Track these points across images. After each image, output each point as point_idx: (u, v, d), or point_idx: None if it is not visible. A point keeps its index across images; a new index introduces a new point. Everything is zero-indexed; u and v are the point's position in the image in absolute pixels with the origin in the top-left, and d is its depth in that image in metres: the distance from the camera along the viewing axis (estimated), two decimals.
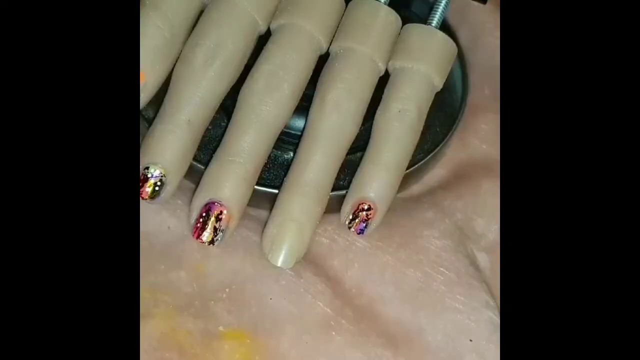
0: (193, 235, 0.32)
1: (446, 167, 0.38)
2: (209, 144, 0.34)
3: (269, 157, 0.33)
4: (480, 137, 0.39)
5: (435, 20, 0.36)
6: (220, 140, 0.33)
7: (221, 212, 0.31)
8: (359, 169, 0.34)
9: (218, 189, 0.31)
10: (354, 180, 0.34)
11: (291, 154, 0.35)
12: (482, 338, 0.31)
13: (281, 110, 0.32)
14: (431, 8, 0.36)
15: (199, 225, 0.31)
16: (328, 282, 0.33)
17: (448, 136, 0.37)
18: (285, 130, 0.34)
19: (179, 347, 0.33)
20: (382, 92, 0.35)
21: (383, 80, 0.35)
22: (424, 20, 0.36)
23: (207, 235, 0.31)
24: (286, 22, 0.34)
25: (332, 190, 0.33)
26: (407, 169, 0.34)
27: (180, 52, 0.33)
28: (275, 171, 0.34)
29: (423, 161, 0.36)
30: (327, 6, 0.34)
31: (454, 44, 0.36)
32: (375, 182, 0.33)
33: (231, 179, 0.31)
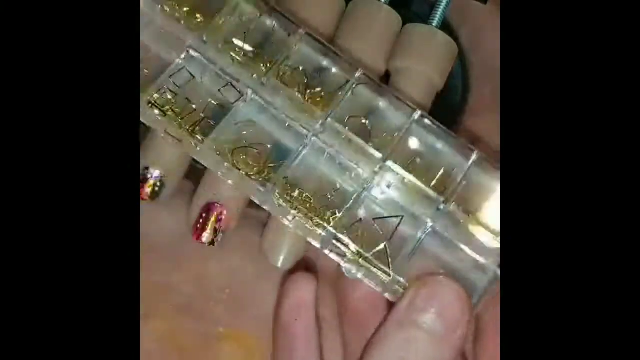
0: (193, 236, 0.32)
1: None
2: None
3: None
4: (481, 137, 0.39)
5: (436, 20, 0.36)
6: None
7: (222, 213, 0.31)
8: None
9: (218, 189, 0.31)
10: None
11: None
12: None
13: None
14: (432, 8, 0.36)
15: (199, 226, 0.31)
16: None
17: None
18: None
19: (179, 347, 0.33)
20: None
21: (383, 81, 0.35)
22: (425, 19, 0.36)
23: (207, 236, 0.31)
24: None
25: None
26: None
27: None
28: None
29: None
30: (328, 6, 0.34)
31: (455, 44, 0.36)
32: None
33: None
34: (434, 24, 0.36)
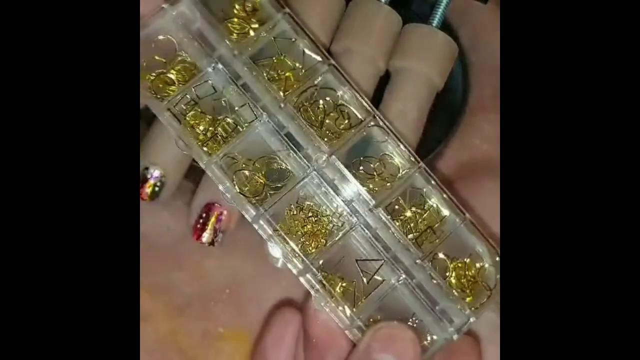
0: (193, 236, 0.32)
1: (446, 167, 0.38)
2: None
3: None
4: (481, 137, 0.39)
5: (436, 20, 0.36)
6: None
7: (221, 213, 0.31)
8: None
9: (218, 190, 0.31)
10: None
11: None
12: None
13: None
14: (432, 8, 0.36)
15: (199, 226, 0.31)
16: None
17: (448, 136, 0.37)
18: None
19: (179, 348, 0.33)
20: (383, 92, 0.35)
21: (383, 81, 0.35)
22: (425, 19, 0.36)
23: (207, 236, 0.31)
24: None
25: None
26: None
27: None
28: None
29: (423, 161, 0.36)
30: (328, 6, 0.34)
31: (455, 44, 0.36)
32: None
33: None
34: (434, 24, 0.36)
